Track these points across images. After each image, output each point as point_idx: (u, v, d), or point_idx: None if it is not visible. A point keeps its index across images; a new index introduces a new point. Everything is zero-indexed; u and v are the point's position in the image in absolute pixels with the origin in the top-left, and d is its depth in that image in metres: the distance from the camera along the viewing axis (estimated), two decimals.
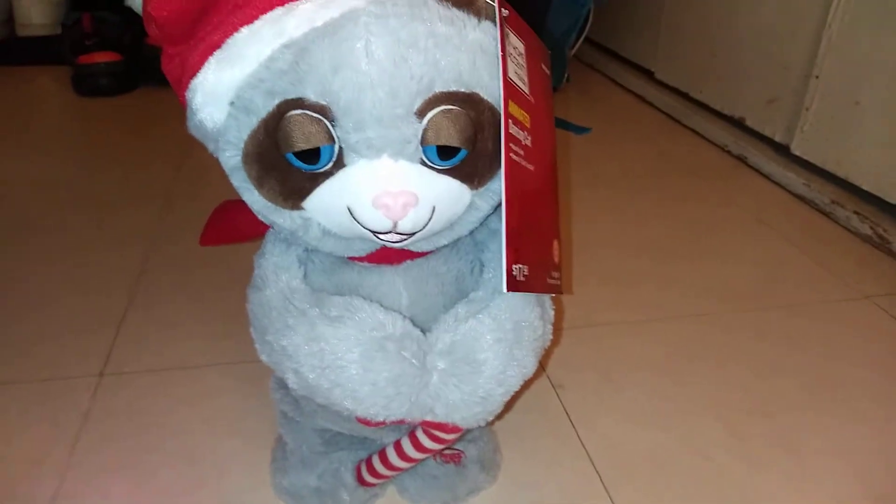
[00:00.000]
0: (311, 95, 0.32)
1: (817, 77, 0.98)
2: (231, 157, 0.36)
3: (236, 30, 0.34)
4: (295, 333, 0.37)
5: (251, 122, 0.34)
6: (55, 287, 0.78)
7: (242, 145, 0.35)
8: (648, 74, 1.45)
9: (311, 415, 0.47)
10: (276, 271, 0.40)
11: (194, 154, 1.13)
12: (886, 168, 0.88)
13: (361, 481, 0.48)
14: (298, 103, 0.33)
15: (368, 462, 0.47)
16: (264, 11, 0.34)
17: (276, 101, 0.33)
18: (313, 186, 0.35)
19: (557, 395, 0.61)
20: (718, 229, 0.92)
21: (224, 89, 0.35)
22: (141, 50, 1.48)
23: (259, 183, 0.36)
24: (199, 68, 0.34)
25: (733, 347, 0.68)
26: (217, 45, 0.34)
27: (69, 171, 1.11)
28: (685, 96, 1.32)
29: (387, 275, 0.41)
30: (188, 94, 0.36)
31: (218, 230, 0.47)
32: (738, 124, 1.17)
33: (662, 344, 0.68)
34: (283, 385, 0.48)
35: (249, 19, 0.34)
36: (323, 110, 0.32)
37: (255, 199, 0.37)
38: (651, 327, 0.71)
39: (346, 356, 0.36)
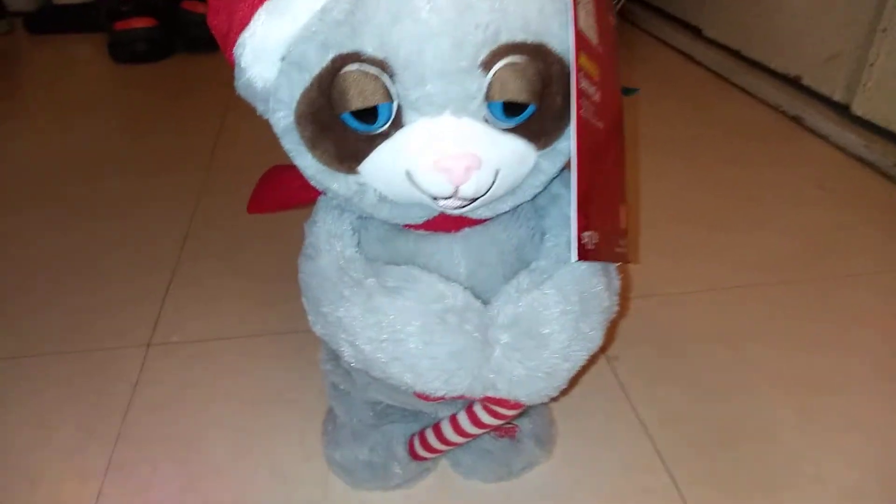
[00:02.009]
0: (368, 49, 0.30)
1: (884, 30, 0.92)
2: (282, 119, 0.34)
3: None
4: (351, 305, 0.36)
5: (304, 80, 0.32)
6: (99, 257, 0.78)
7: (295, 105, 0.33)
8: (696, 32, 1.39)
9: (363, 387, 0.45)
10: (330, 239, 0.39)
11: (235, 119, 1.12)
12: None
13: (414, 455, 0.47)
14: (354, 57, 0.30)
15: (422, 436, 0.46)
16: None
17: (331, 56, 0.31)
18: (370, 149, 0.33)
19: (611, 367, 0.59)
20: (774, 195, 0.88)
21: (274, 44, 0.32)
22: (176, 14, 1.46)
23: (312, 145, 0.34)
24: (248, 21, 0.32)
25: (795, 319, 0.65)
26: None
27: (109, 138, 1.11)
28: (736, 54, 1.27)
29: (444, 243, 0.39)
30: (236, 51, 0.34)
31: (266, 197, 0.45)
32: (793, 83, 1.12)
33: (719, 315, 0.66)
34: (333, 356, 0.46)
35: None
36: (381, 65, 0.30)
37: (307, 164, 0.35)
38: (706, 298, 0.68)
39: (405, 329, 0.34)
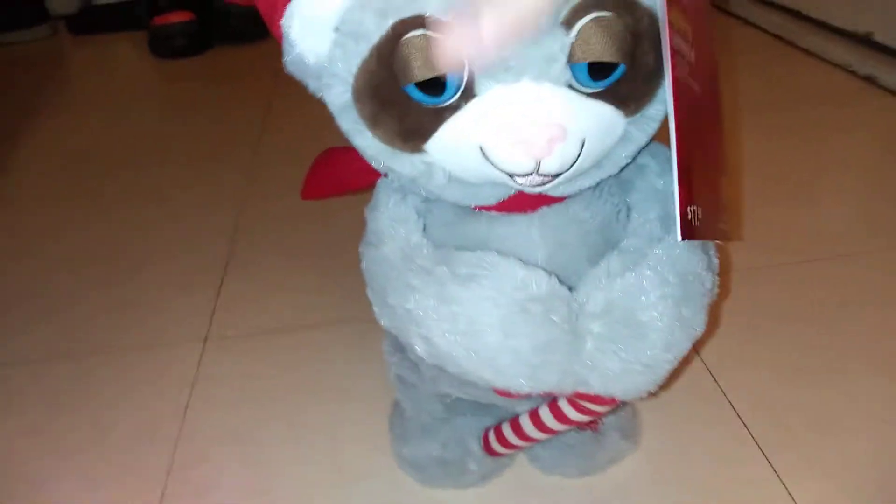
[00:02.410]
0: (433, 11, 0.27)
1: None
2: (339, 95, 0.31)
3: None
4: (422, 295, 0.33)
5: (361, 51, 0.29)
6: (149, 251, 0.77)
7: (352, 79, 0.30)
8: None
9: (432, 379, 0.42)
10: (393, 225, 0.36)
11: (280, 106, 1.10)
12: None
13: (489, 450, 0.44)
14: (417, 22, 0.27)
15: (498, 431, 0.43)
16: None
17: (391, 22, 0.28)
18: (437, 124, 0.30)
19: (695, 350, 0.55)
20: (852, 161, 0.82)
21: (327, 13, 0.29)
22: (213, 6, 1.45)
23: (373, 123, 0.31)
24: None
25: (884, 290, 0.60)
26: None
27: (154, 132, 1.10)
28: (796, 14, 1.20)
29: (519, 225, 0.35)
30: (284, 24, 0.31)
31: (321, 182, 0.43)
32: (863, 41, 1.05)
33: (809, 289, 0.61)
34: (399, 348, 0.43)
35: None
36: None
37: (368, 143, 0.32)
38: (793, 271, 0.64)
39: (484, 320, 0.31)
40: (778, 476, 0.45)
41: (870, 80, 1.01)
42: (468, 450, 0.44)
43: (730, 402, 0.51)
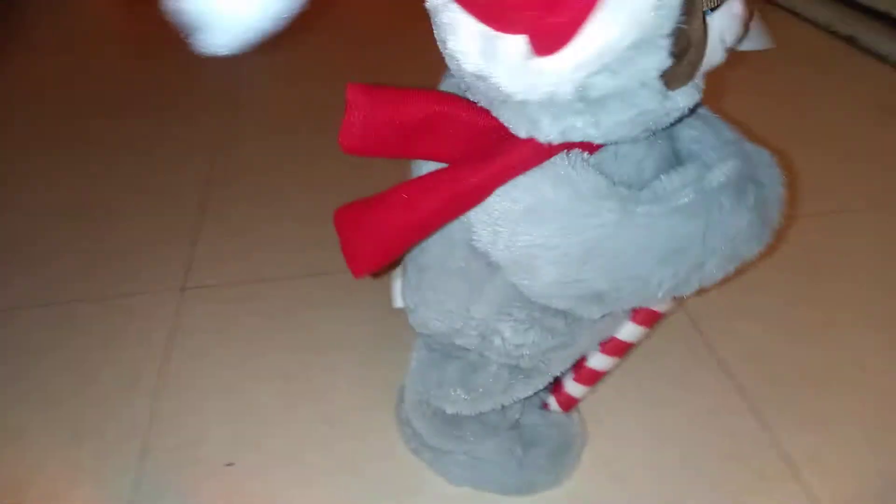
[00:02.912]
0: None
1: None
2: None
3: None
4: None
5: None
6: (123, 200, 0.75)
7: None
8: None
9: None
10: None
11: (261, 57, 1.07)
12: None
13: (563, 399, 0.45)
14: None
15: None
16: None
17: None
18: None
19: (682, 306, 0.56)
20: (835, 119, 0.83)
21: None
22: None
23: None
24: None
25: (877, 247, 0.61)
26: None
27: (124, 77, 1.06)
28: None
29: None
30: None
31: (369, 248, 0.34)
32: (846, 1, 1.05)
33: (796, 243, 0.62)
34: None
35: None
36: None
37: None
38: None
39: None
40: (767, 428, 0.46)
41: (850, 40, 1.01)
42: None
43: (716, 355, 0.52)
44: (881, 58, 0.95)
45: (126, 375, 0.54)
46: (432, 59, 0.32)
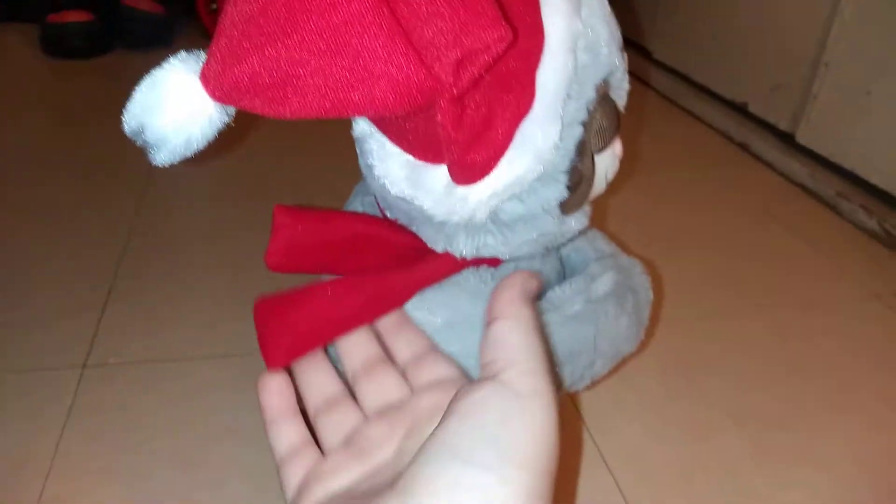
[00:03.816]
0: None
1: (826, 65, 0.95)
2: None
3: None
4: None
5: None
6: (29, 268, 0.73)
7: None
8: (646, 53, 1.41)
9: None
10: None
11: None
12: None
13: None
14: None
15: None
16: None
17: None
18: None
19: (571, 397, 0.59)
20: (724, 219, 0.89)
21: None
22: (116, 9, 1.40)
23: None
24: None
25: (747, 348, 0.66)
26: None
27: (40, 139, 1.05)
28: (684, 78, 1.29)
29: None
30: None
31: (291, 341, 0.34)
32: (740, 110, 1.15)
33: (675, 341, 0.66)
34: None
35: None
36: None
37: None
38: (660, 324, 0.68)
39: None
40: None
41: (743, 146, 1.11)
42: None
43: (598, 449, 0.54)
44: (769, 165, 1.04)
45: (15, 456, 0.51)
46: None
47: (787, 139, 1.04)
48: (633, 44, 1.47)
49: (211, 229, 0.81)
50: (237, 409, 0.56)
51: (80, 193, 0.88)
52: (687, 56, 1.29)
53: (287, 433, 0.31)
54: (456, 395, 0.25)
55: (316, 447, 0.31)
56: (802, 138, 1.00)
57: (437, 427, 0.24)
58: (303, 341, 0.33)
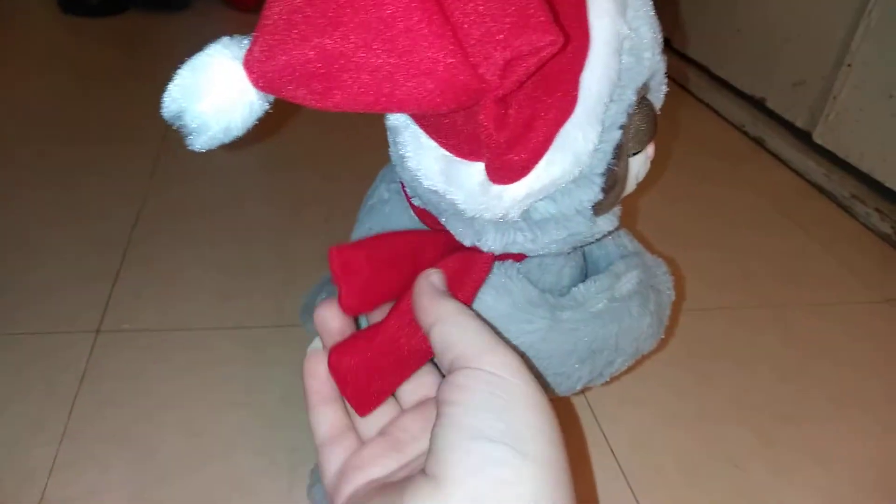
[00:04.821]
0: None
1: (849, 65, 0.94)
2: None
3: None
4: None
5: None
6: (43, 234, 0.73)
7: None
8: (665, 43, 1.40)
9: None
10: None
11: None
12: None
13: None
14: None
15: None
16: None
17: None
18: None
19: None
20: (738, 216, 0.89)
21: None
22: None
23: None
24: None
25: (757, 346, 0.66)
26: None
27: (58, 98, 1.04)
28: (705, 70, 1.28)
29: None
30: None
31: (373, 389, 0.32)
32: (758, 105, 1.14)
33: (684, 337, 0.66)
34: None
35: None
36: None
37: None
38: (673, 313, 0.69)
39: None
40: None
41: (759, 141, 1.10)
42: None
43: (605, 437, 0.55)
44: (784, 162, 1.04)
45: (30, 419, 0.52)
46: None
47: (803, 137, 1.03)
48: None
49: (226, 197, 0.81)
50: (247, 382, 0.57)
51: (94, 155, 0.88)
52: (707, 48, 1.28)
53: (329, 417, 0.32)
54: (445, 385, 0.26)
55: (356, 434, 0.31)
56: (819, 137, 0.99)
57: (441, 415, 0.25)
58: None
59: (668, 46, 1.39)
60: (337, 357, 0.30)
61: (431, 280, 0.29)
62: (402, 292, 0.31)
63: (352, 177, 0.84)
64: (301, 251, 0.72)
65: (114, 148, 0.90)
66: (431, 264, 0.31)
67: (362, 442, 0.31)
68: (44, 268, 0.68)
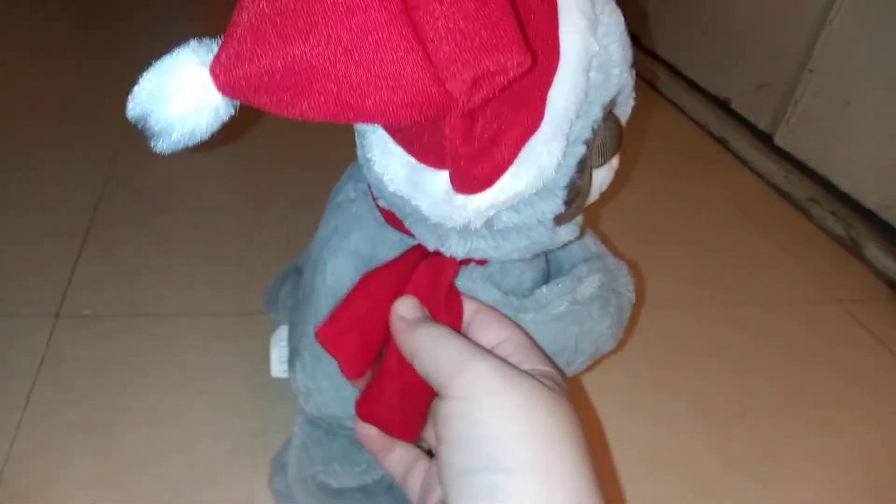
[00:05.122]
0: None
1: (811, 70, 0.97)
2: None
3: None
4: None
5: None
6: (5, 217, 0.72)
7: None
8: (634, 39, 1.41)
9: None
10: None
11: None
12: (867, 171, 0.88)
13: None
14: None
15: None
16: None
17: None
18: None
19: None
20: (700, 214, 0.91)
21: None
22: None
23: None
24: None
25: (713, 342, 0.68)
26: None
27: (12, 75, 1.01)
28: (671, 68, 1.30)
29: None
30: None
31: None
32: (723, 106, 1.16)
33: (642, 331, 0.68)
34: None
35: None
36: None
37: None
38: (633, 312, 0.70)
39: None
40: None
41: (721, 141, 1.12)
42: None
43: None
44: (746, 164, 1.06)
45: None
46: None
47: (765, 139, 1.06)
48: None
49: (190, 181, 0.80)
50: (210, 369, 0.57)
51: (55, 136, 0.86)
52: (675, 47, 1.30)
53: (396, 460, 0.34)
54: (434, 419, 0.27)
55: (426, 456, 0.33)
56: (780, 140, 1.02)
57: (437, 454, 0.27)
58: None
59: (638, 45, 1.41)
60: (366, 410, 0.32)
61: (400, 314, 0.30)
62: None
63: (318, 166, 0.84)
64: (265, 239, 0.71)
65: (75, 128, 0.89)
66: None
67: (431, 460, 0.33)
68: (2, 250, 0.66)
